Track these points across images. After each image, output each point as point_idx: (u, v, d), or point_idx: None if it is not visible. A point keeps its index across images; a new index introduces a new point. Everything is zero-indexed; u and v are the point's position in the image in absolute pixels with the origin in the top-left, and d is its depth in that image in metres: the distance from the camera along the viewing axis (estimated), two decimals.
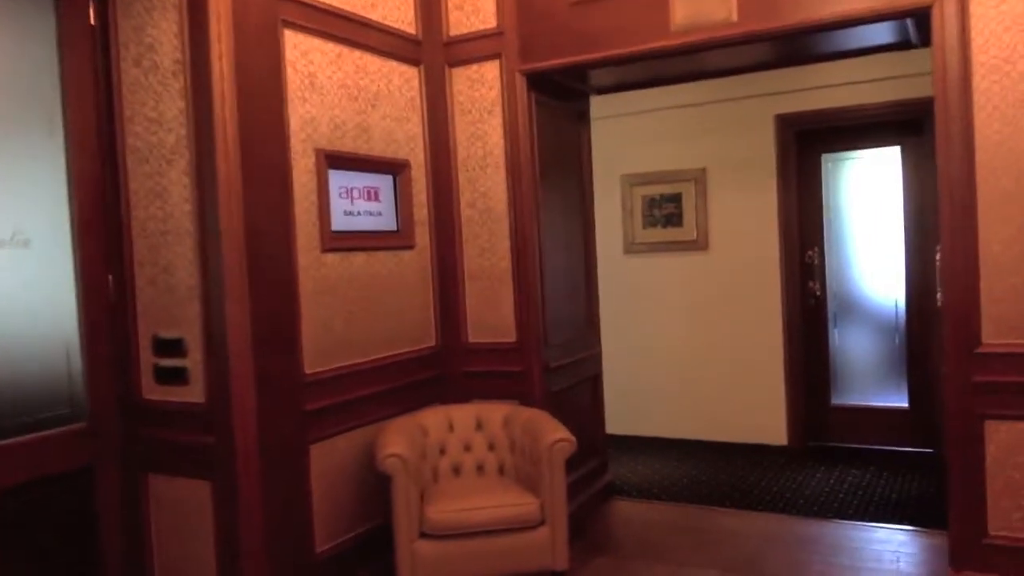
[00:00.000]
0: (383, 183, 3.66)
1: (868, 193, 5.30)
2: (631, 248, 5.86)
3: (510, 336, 3.86)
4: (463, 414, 3.66)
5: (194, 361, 2.89)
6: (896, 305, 5.23)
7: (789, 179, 5.36)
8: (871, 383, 5.35)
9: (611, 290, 5.90)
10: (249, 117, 2.88)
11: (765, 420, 5.46)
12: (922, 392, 5.12)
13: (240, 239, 2.82)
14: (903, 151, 5.16)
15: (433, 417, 3.60)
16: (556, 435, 3.23)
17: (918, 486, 4.49)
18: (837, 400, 5.42)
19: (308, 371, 3.16)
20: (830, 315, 5.42)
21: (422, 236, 3.87)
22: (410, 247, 3.78)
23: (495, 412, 3.66)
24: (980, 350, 3.00)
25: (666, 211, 5.74)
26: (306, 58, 3.20)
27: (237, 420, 2.80)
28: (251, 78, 2.90)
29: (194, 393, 2.89)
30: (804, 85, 5.24)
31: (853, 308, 5.38)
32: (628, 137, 5.84)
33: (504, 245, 3.86)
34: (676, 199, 5.69)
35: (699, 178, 5.59)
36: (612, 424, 5.81)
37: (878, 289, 5.30)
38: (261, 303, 2.90)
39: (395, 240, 3.70)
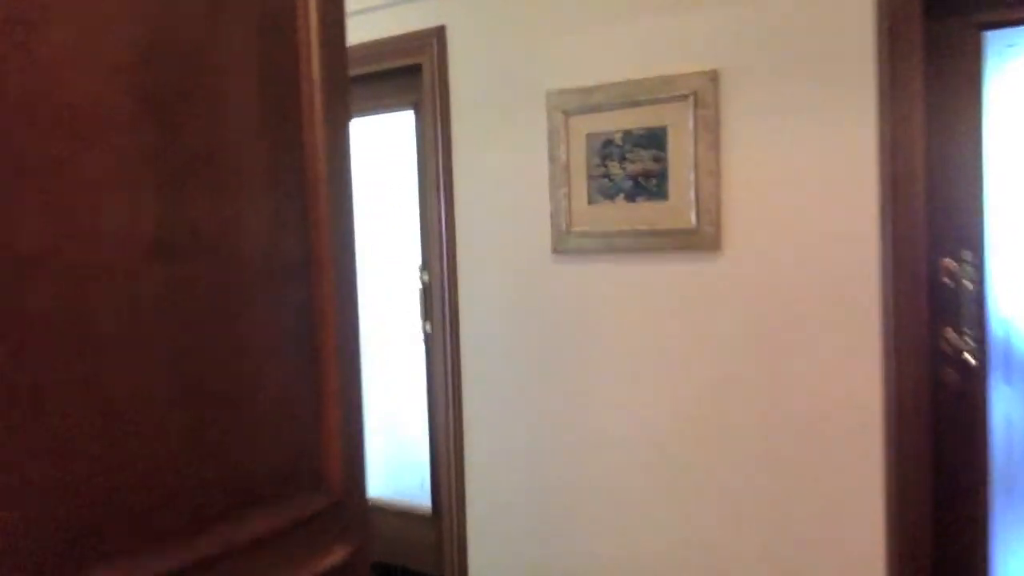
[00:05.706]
0: None
1: None
2: (564, 243, 2.91)
3: None
4: None
5: None
6: None
7: (906, 92, 2.35)
8: None
9: (529, 326, 2.97)
10: None
11: None
12: None
13: None
14: None
15: None
16: None
17: None
18: None
19: None
20: (990, 401, 2.45)
21: None
22: None
23: None
24: None
25: (635, 166, 2.77)
26: None
27: None
28: None
29: None
30: None
31: None
32: (558, 16, 2.86)
33: None
34: (656, 140, 2.72)
35: (703, 94, 2.61)
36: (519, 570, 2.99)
37: None
38: None
39: None
